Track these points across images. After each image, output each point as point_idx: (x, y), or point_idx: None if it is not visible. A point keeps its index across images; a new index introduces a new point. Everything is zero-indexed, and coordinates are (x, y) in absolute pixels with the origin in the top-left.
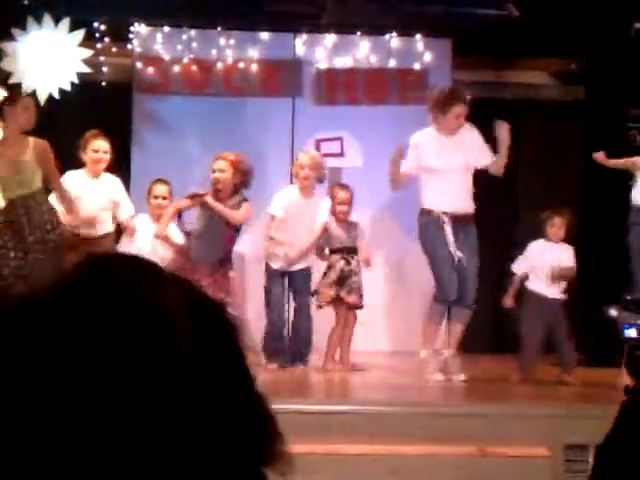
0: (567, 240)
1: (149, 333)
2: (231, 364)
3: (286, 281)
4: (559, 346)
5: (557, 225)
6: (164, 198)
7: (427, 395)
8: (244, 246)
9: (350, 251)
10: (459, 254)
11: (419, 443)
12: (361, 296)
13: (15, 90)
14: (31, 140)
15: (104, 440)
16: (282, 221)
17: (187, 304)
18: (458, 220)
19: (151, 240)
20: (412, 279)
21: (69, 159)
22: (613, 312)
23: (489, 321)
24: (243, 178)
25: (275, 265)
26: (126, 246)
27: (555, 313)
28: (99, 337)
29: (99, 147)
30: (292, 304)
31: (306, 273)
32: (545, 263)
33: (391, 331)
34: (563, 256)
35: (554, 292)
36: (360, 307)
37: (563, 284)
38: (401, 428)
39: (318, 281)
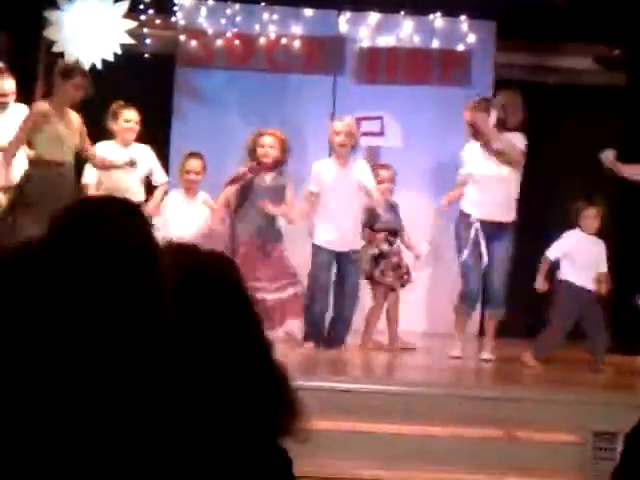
0: (601, 231)
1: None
2: (238, 328)
3: (334, 262)
4: (592, 335)
5: (591, 217)
6: (197, 173)
7: (456, 377)
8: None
9: (392, 232)
10: (485, 259)
11: (447, 425)
12: (401, 277)
13: (73, 66)
14: (71, 112)
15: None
16: (320, 195)
17: (179, 267)
18: (494, 227)
19: (182, 216)
20: (450, 261)
21: (109, 131)
22: None
23: (523, 306)
24: (285, 156)
25: (324, 244)
26: (155, 220)
27: (588, 302)
28: (86, 282)
29: (131, 117)
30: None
31: (356, 256)
32: (580, 254)
33: (428, 312)
34: (596, 251)
35: (588, 282)
36: (394, 289)
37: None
38: (430, 409)
39: None
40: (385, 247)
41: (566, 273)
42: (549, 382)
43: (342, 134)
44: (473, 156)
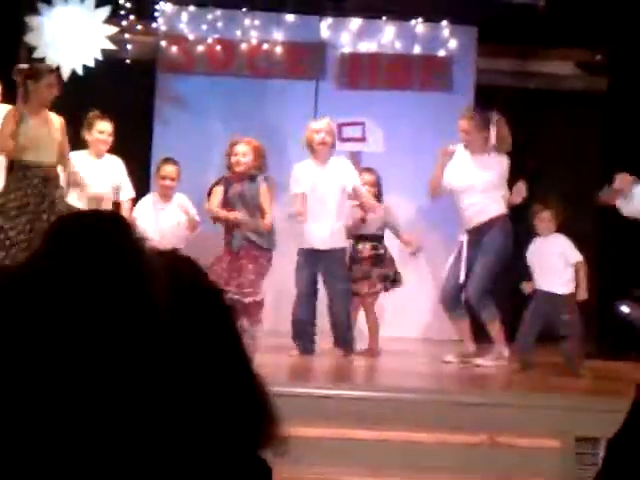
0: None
1: (128, 292)
2: (218, 339)
3: (317, 262)
4: (561, 341)
5: (546, 219)
6: (172, 179)
7: (440, 383)
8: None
9: (369, 238)
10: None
11: (430, 431)
12: (374, 284)
13: (40, 66)
14: (53, 115)
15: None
16: (305, 195)
17: (169, 274)
18: (479, 229)
19: (157, 220)
20: (440, 265)
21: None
22: (625, 308)
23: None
24: (261, 162)
25: (305, 244)
26: None
27: (556, 308)
28: (85, 291)
29: (104, 129)
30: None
31: (340, 255)
32: (540, 258)
33: (421, 318)
34: (556, 251)
35: (557, 287)
36: (359, 295)
37: (571, 278)
38: (412, 415)
39: None
40: (355, 254)
41: (534, 279)
42: (531, 388)
43: (322, 132)
44: (457, 164)
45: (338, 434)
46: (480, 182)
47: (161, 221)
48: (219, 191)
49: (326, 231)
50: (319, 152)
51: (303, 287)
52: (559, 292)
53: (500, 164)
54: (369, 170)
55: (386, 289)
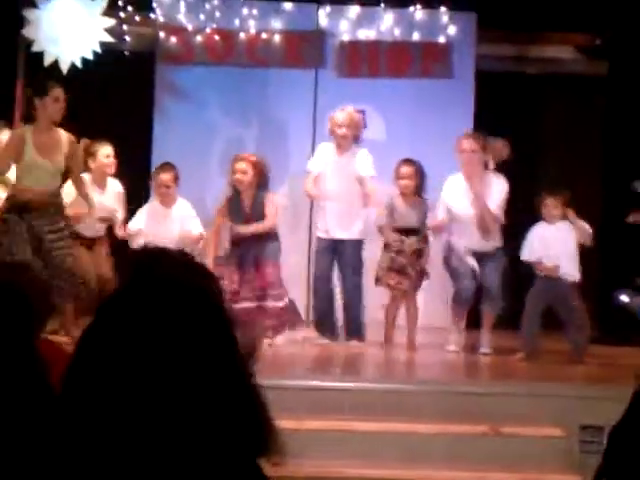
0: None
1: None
2: (218, 348)
3: (334, 253)
4: (565, 328)
5: (550, 206)
6: (167, 186)
7: (442, 373)
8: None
9: (409, 232)
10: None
11: (432, 421)
12: (411, 277)
13: (44, 82)
14: (63, 133)
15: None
16: (318, 178)
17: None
18: (481, 253)
19: (159, 226)
20: (438, 252)
21: (91, 130)
22: (624, 298)
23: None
24: (263, 179)
25: (321, 234)
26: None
27: (560, 294)
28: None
29: (109, 152)
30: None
31: (356, 245)
32: (546, 245)
33: (422, 306)
34: (561, 235)
35: (564, 273)
36: (400, 289)
37: (575, 264)
38: (414, 406)
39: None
40: (398, 248)
41: (536, 265)
42: (534, 376)
43: (343, 127)
44: (454, 191)
45: (340, 426)
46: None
47: (164, 227)
48: (223, 211)
49: (340, 220)
50: (340, 144)
51: (316, 273)
52: (567, 278)
53: (501, 189)
54: (409, 161)
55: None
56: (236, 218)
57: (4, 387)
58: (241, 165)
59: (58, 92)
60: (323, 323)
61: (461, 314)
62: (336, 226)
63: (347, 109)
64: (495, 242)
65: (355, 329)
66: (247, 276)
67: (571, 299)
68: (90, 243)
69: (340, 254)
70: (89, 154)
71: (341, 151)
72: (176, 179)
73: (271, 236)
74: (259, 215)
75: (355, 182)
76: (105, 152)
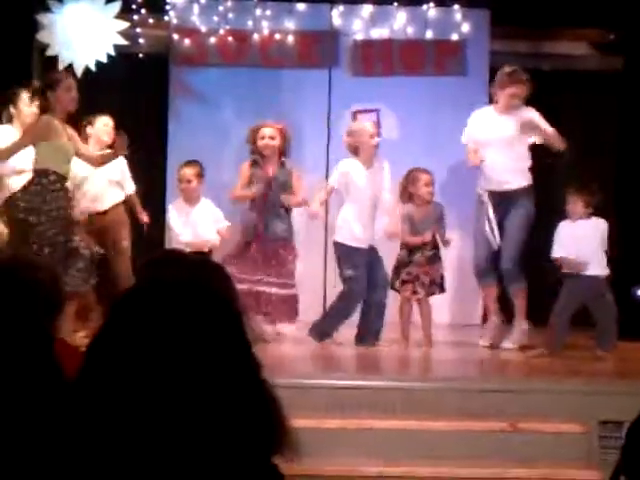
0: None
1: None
2: (230, 347)
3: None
4: (599, 324)
5: (572, 202)
6: (189, 181)
7: (461, 370)
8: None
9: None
10: (497, 237)
11: (451, 418)
12: (423, 288)
13: (54, 74)
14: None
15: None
16: (343, 193)
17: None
18: (506, 196)
19: (185, 224)
20: (457, 249)
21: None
22: None
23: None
24: (287, 145)
25: (353, 243)
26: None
27: (594, 291)
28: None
29: (107, 122)
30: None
31: (375, 248)
32: (574, 241)
33: (442, 303)
34: (587, 232)
35: (597, 270)
36: (415, 298)
37: (604, 260)
38: (433, 403)
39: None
40: (405, 256)
41: (567, 263)
42: (553, 372)
43: (375, 136)
44: (480, 121)
45: (359, 424)
46: (508, 132)
47: (191, 224)
48: (245, 172)
49: (371, 231)
50: (370, 154)
51: (360, 284)
52: (600, 274)
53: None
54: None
55: (432, 293)
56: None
57: (15, 373)
58: (269, 130)
59: (69, 83)
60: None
61: (486, 288)
62: (368, 238)
63: (370, 118)
64: (523, 178)
65: (375, 337)
66: (261, 256)
67: (605, 294)
68: (100, 227)
69: (364, 262)
70: (88, 123)
71: (369, 163)
72: (199, 176)
73: (288, 216)
74: (281, 184)
75: (379, 195)
76: (103, 121)
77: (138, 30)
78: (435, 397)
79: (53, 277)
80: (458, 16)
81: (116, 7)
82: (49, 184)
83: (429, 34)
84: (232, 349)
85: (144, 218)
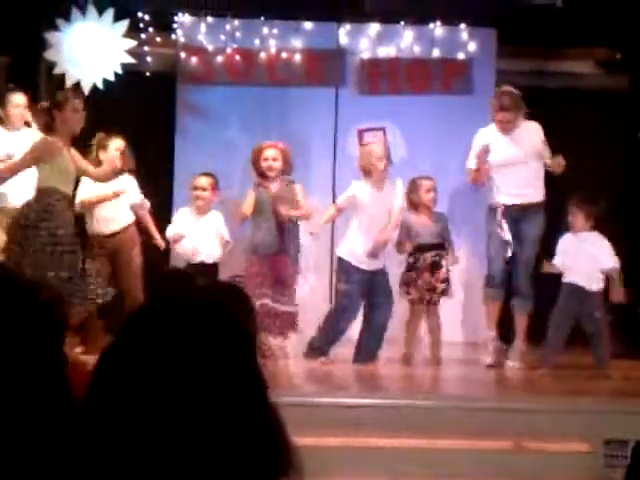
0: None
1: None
2: (239, 370)
3: (362, 279)
4: (591, 340)
5: (574, 216)
6: (203, 189)
7: (464, 388)
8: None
9: (428, 248)
10: (510, 247)
11: (456, 437)
12: (429, 292)
13: (63, 94)
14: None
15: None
16: (350, 212)
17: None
18: (521, 211)
19: (193, 233)
20: (462, 269)
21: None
22: None
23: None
24: (288, 166)
25: (352, 260)
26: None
27: (588, 305)
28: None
29: (120, 145)
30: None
31: (385, 273)
32: (574, 255)
33: (461, 322)
34: (588, 246)
35: (589, 284)
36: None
37: (601, 276)
38: (437, 422)
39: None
40: (412, 264)
41: (566, 276)
42: (558, 391)
43: (384, 158)
44: (489, 142)
45: (361, 443)
46: (522, 152)
47: (196, 234)
48: (251, 196)
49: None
50: (379, 177)
51: (352, 301)
52: (592, 289)
53: (537, 131)
54: (427, 177)
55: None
56: (261, 208)
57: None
58: (271, 152)
59: (77, 103)
60: (326, 349)
61: (492, 307)
62: (373, 261)
63: (378, 140)
64: (537, 195)
65: (371, 357)
66: (266, 269)
67: (596, 309)
68: (111, 249)
69: (371, 282)
70: (101, 147)
71: (379, 186)
72: (213, 187)
73: (296, 232)
74: (286, 201)
75: (388, 215)
76: (116, 145)
77: (145, 48)
78: (440, 416)
79: (57, 298)
80: (464, 35)
81: (124, 26)
82: (54, 202)
83: (436, 53)
84: (240, 371)
85: (160, 243)
